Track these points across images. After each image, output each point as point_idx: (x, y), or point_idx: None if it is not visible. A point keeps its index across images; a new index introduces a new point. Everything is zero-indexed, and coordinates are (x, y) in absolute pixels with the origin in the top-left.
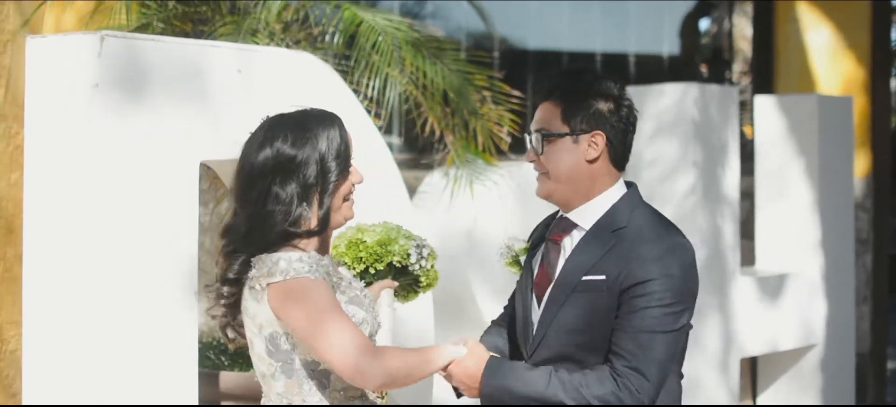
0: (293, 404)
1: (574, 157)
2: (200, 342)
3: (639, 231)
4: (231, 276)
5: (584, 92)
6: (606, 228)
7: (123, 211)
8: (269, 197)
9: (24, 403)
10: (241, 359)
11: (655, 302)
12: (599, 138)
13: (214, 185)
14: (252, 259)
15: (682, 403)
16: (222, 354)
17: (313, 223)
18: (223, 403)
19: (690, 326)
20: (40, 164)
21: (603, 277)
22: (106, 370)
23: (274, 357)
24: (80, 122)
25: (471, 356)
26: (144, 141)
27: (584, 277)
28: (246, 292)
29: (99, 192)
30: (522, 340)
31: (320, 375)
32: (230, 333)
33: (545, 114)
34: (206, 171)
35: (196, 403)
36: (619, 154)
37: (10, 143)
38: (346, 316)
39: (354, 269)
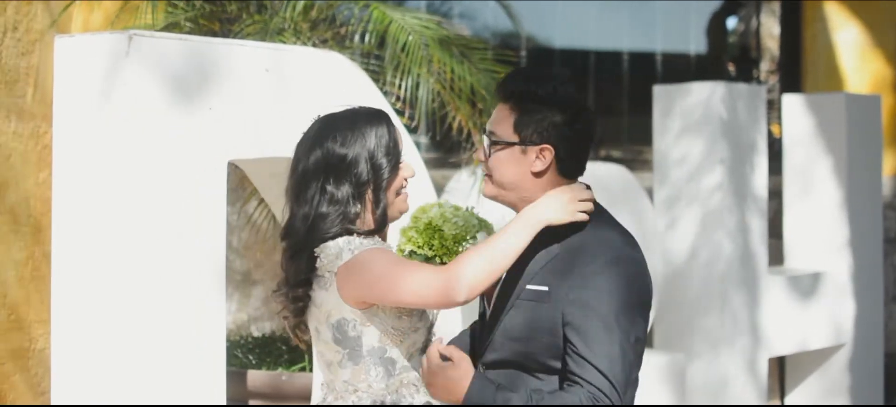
0: (360, 404)
1: (520, 168)
2: (228, 340)
3: (583, 243)
4: (302, 276)
5: (542, 101)
6: (552, 237)
7: (151, 210)
8: (324, 197)
9: (52, 402)
10: (269, 357)
11: (602, 320)
12: (548, 153)
13: (242, 184)
14: (315, 250)
15: (711, 404)
16: (250, 352)
17: (370, 222)
18: (251, 402)
19: (642, 338)
20: (68, 163)
21: (546, 289)
22: (134, 369)
23: (341, 344)
24: (108, 122)
25: (455, 367)
26: (172, 140)
27: (528, 286)
28: (314, 283)
29: (127, 192)
30: (479, 340)
31: (386, 363)
32: (301, 334)
33: (499, 117)
34: (234, 171)
35: (224, 402)
36: (570, 167)
37: (38, 143)
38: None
39: (419, 251)
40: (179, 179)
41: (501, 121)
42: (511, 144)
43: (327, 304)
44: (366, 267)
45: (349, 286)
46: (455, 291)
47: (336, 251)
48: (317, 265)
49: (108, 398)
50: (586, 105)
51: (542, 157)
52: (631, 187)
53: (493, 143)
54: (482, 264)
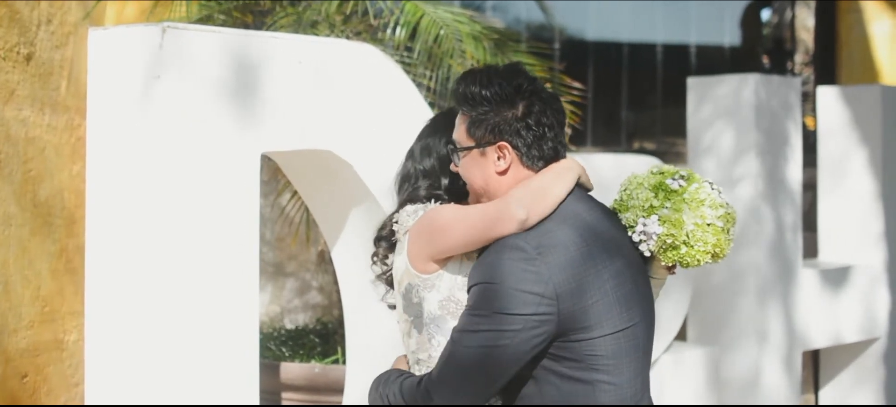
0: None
1: (484, 170)
2: (261, 333)
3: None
4: (382, 233)
5: (487, 100)
6: None
7: (184, 203)
8: (416, 175)
9: (86, 394)
10: (302, 350)
11: (469, 308)
12: (506, 149)
13: (275, 176)
14: (394, 216)
15: (746, 396)
16: (283, 344)
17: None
18: (284, 395)
19: (539, 339)
20: (102, 155)
21: None
22: (166, 362)
23: (408, 312)
24: (142, 114)
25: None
26: (205, 132)
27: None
28: (394, 252)
29: (160, 184)
30: None
31: (447, 333)
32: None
33: (457, 124)
34: (267, 163)
35: (257, 394)
36: (534, 156)
37: (72, 135)
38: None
39: (685, 257)
40: (212, 172)
41: (458, 127)
42: (469, 149)
43: (399, 270)
44: (429, 218)
45: (415, 244)
46: (513, 216)
47: (412, 211)
48: (394, 228)
49: (141, 391)
50: (540, 91)
51: (502, 154)
52: None
53: (454, 152)
54: (530, 191)
